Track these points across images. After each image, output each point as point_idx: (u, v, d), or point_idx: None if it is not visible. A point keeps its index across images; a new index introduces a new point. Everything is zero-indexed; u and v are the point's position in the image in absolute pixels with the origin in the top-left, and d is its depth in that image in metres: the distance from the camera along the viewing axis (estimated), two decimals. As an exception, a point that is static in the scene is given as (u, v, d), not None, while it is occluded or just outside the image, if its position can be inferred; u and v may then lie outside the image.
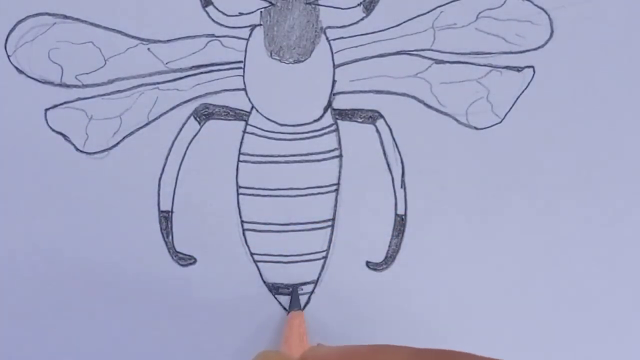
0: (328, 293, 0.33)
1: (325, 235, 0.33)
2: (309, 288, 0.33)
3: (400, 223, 0.33)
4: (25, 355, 0.32)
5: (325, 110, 0.32)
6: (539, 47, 0.32)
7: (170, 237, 0.32)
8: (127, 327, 0.32)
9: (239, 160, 0.32)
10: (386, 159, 0.32)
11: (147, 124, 0.32)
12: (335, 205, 0.33)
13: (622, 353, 0.34)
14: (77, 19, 0.31)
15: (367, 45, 0.32)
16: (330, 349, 0.20)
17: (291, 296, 0.32)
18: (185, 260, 0.32)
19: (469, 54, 0.32)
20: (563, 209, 0.33)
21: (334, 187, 0.33)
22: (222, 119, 0.32)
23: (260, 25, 0.32)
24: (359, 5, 0.32)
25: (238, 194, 0.32)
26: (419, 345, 0.22)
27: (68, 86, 0.31)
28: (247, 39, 0.32)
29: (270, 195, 0.32)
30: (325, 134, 0.32)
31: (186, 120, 0.32)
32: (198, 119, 0.32)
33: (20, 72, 0.31)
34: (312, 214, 0.32)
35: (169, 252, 0.32)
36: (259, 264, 0.32)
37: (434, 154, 0.33)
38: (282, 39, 0.32)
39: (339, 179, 0.32)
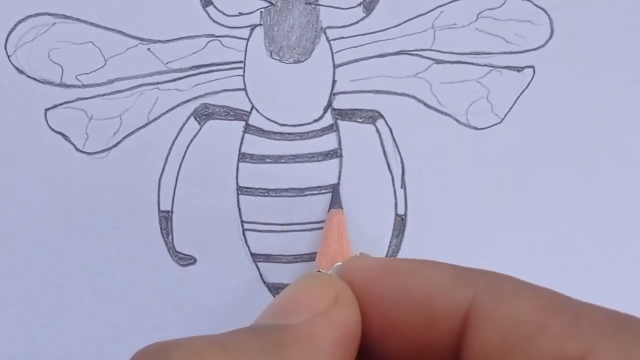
0: (328, 293, 0.33)
1: (325, 235, 0.33)
2: (309, 288, 0.33)
3: (400, 223, 0.33)
4: (25, 355, 0.32)
5: (326, 110, 0.32)
6: (539, 47, 0.32)
7: (170, 237, 0.32)
8: (127, 327, 0.32)
9: (239, 160, 0.32)
10: (386, 159, 0.32)
11: (147, 124, 0.32)
12: (335, 205, 0.33)
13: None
14: (77, 19, 0.31)
15: (367, 45, 0.32)
16: (373, 260, 0.19)
17: (332, 195, 0.32)
18: (185, 260, 0.32)
19: (469, 54, 0.32)
20: (563, 209, 0.33)
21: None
22: (222, 119, 0.32)
23: (260, 25, 0.32)
24: (359, 5, 0.32)
25: (238, 194, 0.32)
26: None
27: (68, 86, 0.31)
28: (247, 39, 0.32)
29: (270, 195, 0.32)
30: (325, 134, 0.32)
31: (186, 120, 0.32)
32: (198, 119, 0.32)
33: (20, 72, 0.31)
34: (312, 214, 0.32)
35: (169, 252, 0.32)
36: (259, 264, 0.32)
37: (434, 154, 0.33)
38: (282, 39, 0.32)
39: (339, 179, 0.32)
